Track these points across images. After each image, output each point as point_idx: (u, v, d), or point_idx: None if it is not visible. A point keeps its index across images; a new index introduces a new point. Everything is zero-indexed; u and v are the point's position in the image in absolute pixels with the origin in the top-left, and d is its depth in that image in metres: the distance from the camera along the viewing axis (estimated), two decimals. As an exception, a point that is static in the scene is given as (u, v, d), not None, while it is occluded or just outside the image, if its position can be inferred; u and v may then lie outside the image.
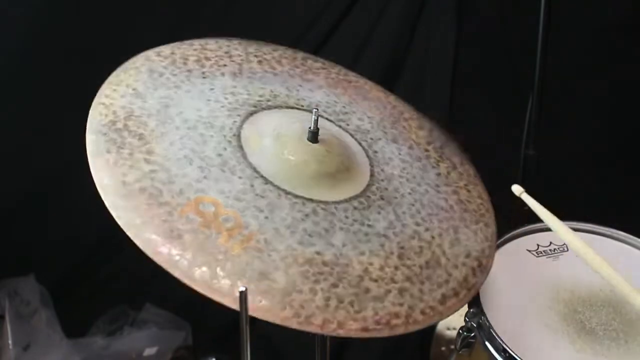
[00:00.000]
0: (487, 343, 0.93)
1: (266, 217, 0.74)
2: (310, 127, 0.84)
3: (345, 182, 0.83)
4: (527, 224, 1.11)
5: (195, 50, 0.93)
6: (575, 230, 1.12)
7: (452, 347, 1.00)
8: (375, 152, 0.91)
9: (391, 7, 1.59)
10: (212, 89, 0.88)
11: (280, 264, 0.70)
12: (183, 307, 1.63)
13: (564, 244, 1.10)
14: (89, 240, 1.60)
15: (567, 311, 0.98)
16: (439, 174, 0.91)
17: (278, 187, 0.78)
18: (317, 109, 0.84)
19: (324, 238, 0.74)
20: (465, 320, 0.95)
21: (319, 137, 0.85)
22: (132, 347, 1.54)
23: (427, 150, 0.95)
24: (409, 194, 0.86)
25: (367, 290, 0.71)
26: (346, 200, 0.81)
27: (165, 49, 0.92)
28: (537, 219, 1.12)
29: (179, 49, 0.92)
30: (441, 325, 1.32)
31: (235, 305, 0.65)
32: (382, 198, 0.83)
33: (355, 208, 0.80)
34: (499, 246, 1.07)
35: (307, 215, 0.76)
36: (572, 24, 1.48)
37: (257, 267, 0.69)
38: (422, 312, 0.72)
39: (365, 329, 0.68)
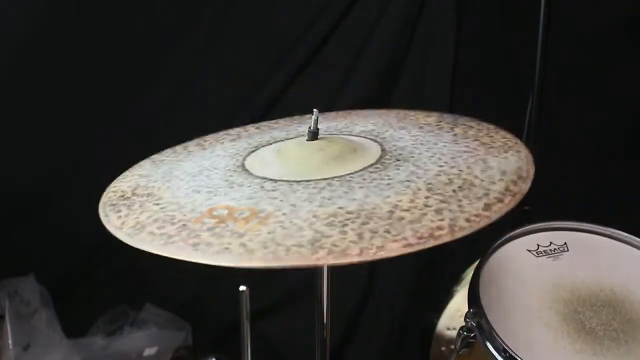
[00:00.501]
0: (487, 343, 0.92)
1: (281, 201, 0.74)
2: (309, 128, 0.85)
3: (355, 160, 0.83)
4: (527, 224, 1.11)
5: (193, 141, 1.00)
6: (575, 230, 1.12)
7: (452, 347, 1.00)
8: (384, 137, 0.91)
9: (391, 7, 1.59)
10: (212, 152, 0.92)
11: (303, 224, 0.69)
12: (183, 307, 1.63)
13: (565, 243, 1.10)
14: (89, 240, 1.61)
15: (567, 311, 0.98)
16: (455, 135, 0.90)
17: (288, 181, 0.78)
18: (317, 110, 0.85)
19: (344, 198, 0.73)
20: (465, 320, 0.95)
21: (319, 137, 0.85)
22: (132, 347, 1.55)
23: (438, 125, 0.94)
24: (426, 151, 0.84)
25: (401, 218, 0.69)
26: (360, 170, 0.80)
27: (166, 150, 0.98)
28: (537, 219, 1.13)
29: (179, 146, 0.99)
30: (441, 325, 1.32)
31: (269, 264, 0.64)
32: (397, 160, 0.82)
33: (371, 172, 0.79)
34: (499, 246, 1.08)
35: (322, 188, 0.76)
36: (572, 24, 1.48)
37: (280, 232, 0.68)
38: (467, 220, 0.69)
39: (408, 245, 0.65)
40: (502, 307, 0.98)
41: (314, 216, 0.70)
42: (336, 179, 0.77)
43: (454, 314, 1.30)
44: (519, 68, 1.51)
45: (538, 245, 1.09)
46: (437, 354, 1.32)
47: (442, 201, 0.72)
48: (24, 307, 1.52)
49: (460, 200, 0.72)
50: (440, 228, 0.67)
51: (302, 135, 0.93)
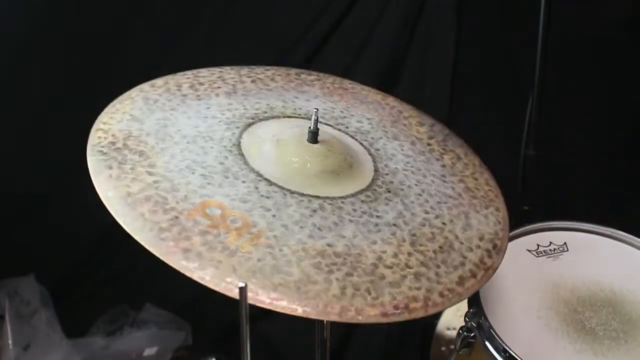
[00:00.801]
0: (487, 343, 0.93)
1: (274, 215, 0.74)
2: (310, 127, 0.84)
3: (349, 179, 0.83)
4: (527, 223, 1.11)
5: (188, 78, 0.96)
6: (575, 230, 1.12)
7: (452, 347, 1.00)
8: (377, 149, 0.91)
9: (391, 7, 1.58)
10: (208, 108, 0.90)
11: (292, 257, 0.70)
12: (183, 307, 1.63)
13: (564, 243, 1.10)
14: (89, 240, 1.61)
15: (567, 311, 0.99)
16: (443, 166, 0.91)
17: (282, 188, 0.78)
18: (317, 109, 0.85)
19: (333, 231, 0.74)
20: (465, 320, 0.96)
21: (319, 138, 0.85)
22: (132, 347, 1.55)
23: (429, 145, 0.95)
24: (416, 185, 0.86)
25: (383, 277, 0.71)
26: (352, 195, 0.81)
27: (158, 81, 0.94)
28: (537, 219, 1.13)
29: (172, 79, 0.95)
30: (441, 325, 1.32)
31: (253, 302, 0.66)
32: (388, 191, 0.83)
33: (362, 201, 0.80)
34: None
35: (314, 211, 0.76)
36: (572, 24, 1.48)
37: (269, 262, 0.69)
38: (441, 295, 0.72)
39: (384, 315, 0.68)
40: (502, 307, 0.98)
41: (303, 249, 0.71)
42: (328, 201, 0.78)
43: (454, 314, 1.30)
44: (519, 68, 1.51)
45: (538, 245, 1.09)
46: (437, 354, 1.32)
47: (422, 263, 0.74)
48: (24, 307, 1.52)
49: (438, 267, 0.75)
50: (415, 299, 0.70)
51: (300, 115, 0.93)
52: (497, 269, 0.79)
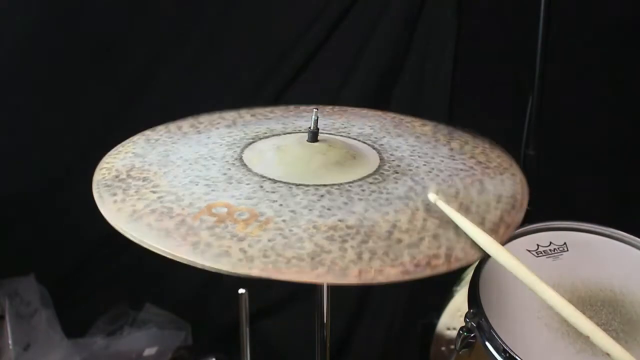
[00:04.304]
0: (487, 343, 0.93)
1: (281, 205, 0.74)
2: (309, 128, 0.85)
3: (354, 168, 0.83)
4: (527, 223, 1.11)
5: (187, 121, 0.98)
6: (575, 230, 1.12)
7: (452, 347, 1.00)
8: (382, 144, 0.91)
9: (391, 7, 1.59)
10: (208, 138, 0.91)
11: (303, 234, 0.69)
12: (183, 307, 1.63)
13: (564, 243, 1.10)
14: (89, 240, 1.61)
15: (567, 311, 0.98)
16: (451, 149, 0.91)
17: (288, 183, 0.78)
18: (317, 109, 0.85)
19: (343, 209, 0.74)
20: (465, 320, 0.95)
21: (319, 138, 0.85)
22: (132, 347, 1.55)
23: (435, 137, 0.95)
24: (424, 165, 0.85)
25: (400, 241, 0.70)
26: (359, 180, 0.80)
27: (159, 127, 0.96)
28: (537, 219, 1.13)
29: (172, 124, 0.97)
30: (441, 325, 1.32)
31: (269, 275, 0.65)
32: (396, 172, 0.83)
33: (370, 183, 0.80)
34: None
35: (322, 195, 0.76)
36: (572, 24, 1.49)
37: (280, 241, 0.68)
38: (463, 250, 0.71)
39: (405, 272, 0.67)
40: (502, 307, 0.98)
41: (314, 227, 0.70)
42: (335, 186, 0.78)
43: (454, 314, 1.30)
44: (519, 68, 1.51)
45: (538, 245, 1.09)
46: (437, 354, 1.32)
47: (439, 225, 0.73)
48: (24, 307, 1.52)
49: (456, 227, 0.73)
50: (436, 257, 0.69)
51: (300, 130, 0.93)
52: (518, 224, 0.78)
